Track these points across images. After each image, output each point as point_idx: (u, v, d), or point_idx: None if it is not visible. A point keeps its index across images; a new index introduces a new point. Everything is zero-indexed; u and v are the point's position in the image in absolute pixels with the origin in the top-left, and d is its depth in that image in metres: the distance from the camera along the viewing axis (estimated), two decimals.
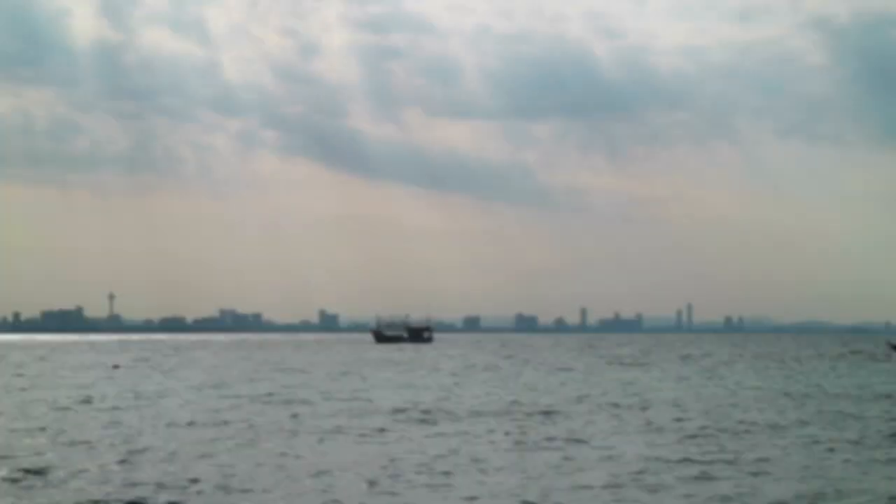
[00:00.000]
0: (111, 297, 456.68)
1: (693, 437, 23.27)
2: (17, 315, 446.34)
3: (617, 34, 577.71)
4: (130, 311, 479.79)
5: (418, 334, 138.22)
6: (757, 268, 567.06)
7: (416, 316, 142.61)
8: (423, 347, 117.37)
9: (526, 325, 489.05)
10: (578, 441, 22.57)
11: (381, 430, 24.82)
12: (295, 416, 28.36)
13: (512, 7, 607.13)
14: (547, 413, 29.12)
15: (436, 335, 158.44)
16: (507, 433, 23.95)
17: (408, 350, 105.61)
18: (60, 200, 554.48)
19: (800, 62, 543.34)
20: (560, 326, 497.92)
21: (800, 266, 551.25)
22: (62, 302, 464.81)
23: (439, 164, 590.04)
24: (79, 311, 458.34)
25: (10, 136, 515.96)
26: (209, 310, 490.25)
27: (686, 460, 19.45)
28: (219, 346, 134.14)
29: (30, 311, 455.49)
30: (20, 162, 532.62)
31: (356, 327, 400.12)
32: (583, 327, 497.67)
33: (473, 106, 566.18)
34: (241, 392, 38.00)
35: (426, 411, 29.60)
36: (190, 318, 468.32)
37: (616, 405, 31.94)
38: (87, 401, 33.92)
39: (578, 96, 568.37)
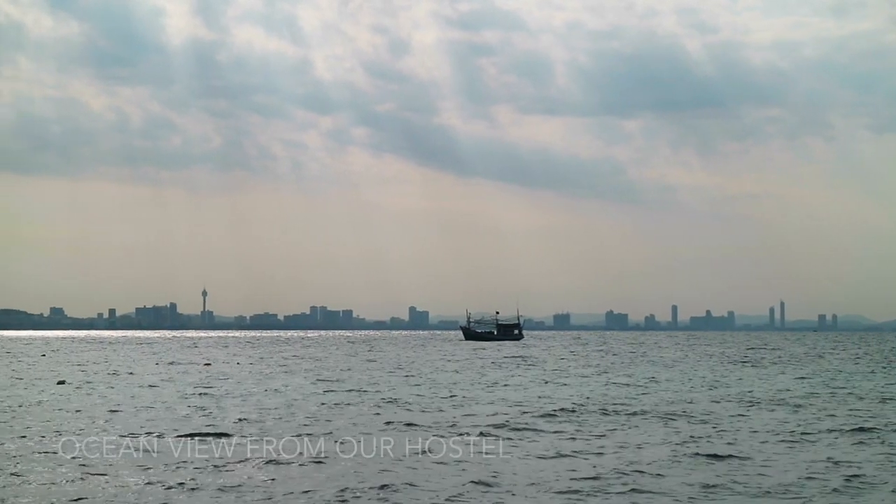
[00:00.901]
0: (204, 293, 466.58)
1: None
2: (112, 311, 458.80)
3: (709, 29, 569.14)
4: (222, 307, 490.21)
5: (508, 331, 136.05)
6: (850, 266, 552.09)
7: (506, 313, 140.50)
8: (518, 345, 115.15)
9: (616, 322, 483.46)
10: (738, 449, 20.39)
11: (534, 430, 22.96)
12: (427, 414, 26.72)
13: (603, 3, 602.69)
14: (688, 412, 26.93)
15: (525, 333, 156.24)
16: (672, 433, 21.88)
17: (507, 347, 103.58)
18: (154, 198, 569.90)
19: None
20: (651, 324, 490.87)
21: (895, 264, 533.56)
22: (156, 299, 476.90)
23: (529, 160, 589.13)
24: (172, 307, 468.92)
25: (106, 135, 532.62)
26: (300, 306, 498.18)
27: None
28: (320, 343, 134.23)
29: (125, 308, 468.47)
30: (115, 160, 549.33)
31: (445, 325, 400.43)
32: (674, 325, 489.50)
33: (564, 103, 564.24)
34: (352, 387, 36.66)
35: (568, 410, 27.63)
36: (281, 314, 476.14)
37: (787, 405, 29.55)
38: (207, 394, 32.93)
39: (670, 92, 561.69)
